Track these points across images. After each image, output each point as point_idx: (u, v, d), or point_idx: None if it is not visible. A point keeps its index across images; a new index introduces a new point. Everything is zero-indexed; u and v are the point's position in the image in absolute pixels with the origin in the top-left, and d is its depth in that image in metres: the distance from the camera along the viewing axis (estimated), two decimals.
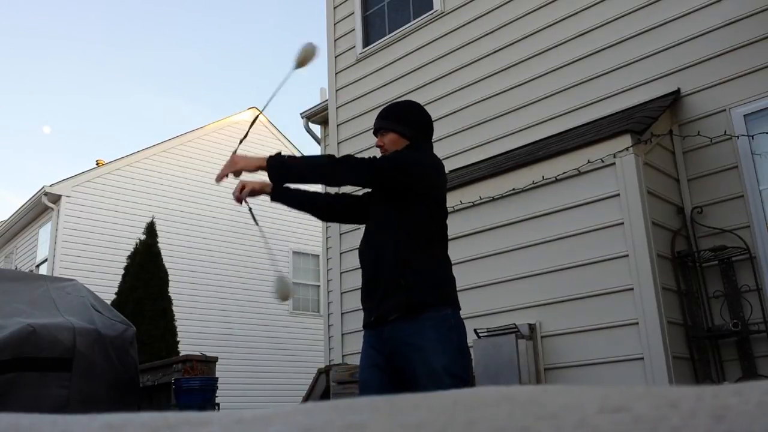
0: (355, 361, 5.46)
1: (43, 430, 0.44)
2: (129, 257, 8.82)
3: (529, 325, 4.11)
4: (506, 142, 5.42)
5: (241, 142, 2.80)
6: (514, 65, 5.56)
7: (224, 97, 37.60)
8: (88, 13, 31.90)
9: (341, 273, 6.25)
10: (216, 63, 37.45)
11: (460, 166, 5.53)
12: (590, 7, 5.17)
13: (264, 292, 13.21)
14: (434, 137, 2.71)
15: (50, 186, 11.66)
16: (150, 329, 7.91)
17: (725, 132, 4.30)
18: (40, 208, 12.28)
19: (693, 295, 4.11)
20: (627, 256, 3.84)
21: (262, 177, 2.51)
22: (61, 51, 33.52)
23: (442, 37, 6.15)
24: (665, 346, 3.63)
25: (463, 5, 6.03)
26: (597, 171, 4.06)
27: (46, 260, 11.82)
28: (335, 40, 7.18)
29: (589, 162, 4.08)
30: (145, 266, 8.52)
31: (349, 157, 2.45)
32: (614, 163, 3.98)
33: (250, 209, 2.63)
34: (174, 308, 8.66)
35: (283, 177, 2.49)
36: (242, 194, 2.53)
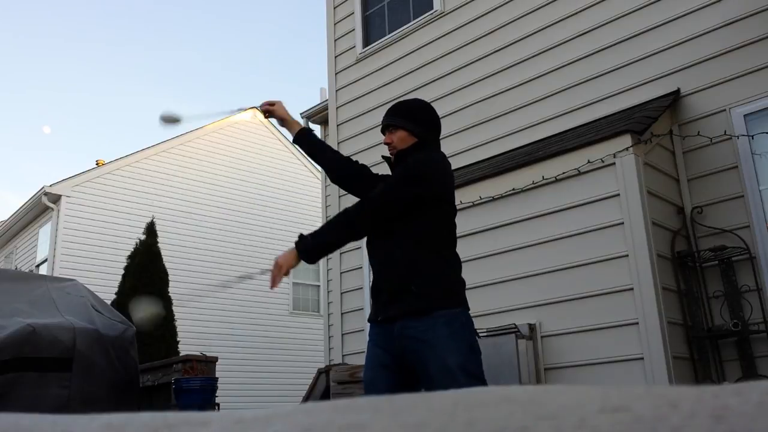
0: (355, 361, 5.46)
1: (43, 430, 0.44)
2: (129, 257, 8.83)
3: (529, 325, 4.11)
4: (506, 142, 5.42)
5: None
6: (514, 65, 5.56)
7: (224, 97, 37.60)
8: (88, 13, 31.90)
9: (341, 273, 6.25)
10: (216, 63, 37.45)
11: (460, 165, 5.52)
12: (590, 7, 5.16)
13: (264, 292, 13.21)
14: (440, 136, 2.71)
15: (50, 186, 11.66)
16: (150, 329, 7.91)
17: (725, 132, 4.30)
18: (40, 208, 12.28)
19: (693, 295, 4.11)
20: (627, 256, 3.84)
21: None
22: (61, 51, 33.52)
23: (442, 37, 6.15)
24: (665, 346, 3.63)
25: (463, 5, 6.03)
26: (597, 171, 4.06)
27: (46, 260, 11.82)
28: (335, 40, 7.18)
29: (589, 162, 4.08)
30: (145, 266, 8.52)
31: (362, 205, 2.42)
32: (614, 163, 3.98)
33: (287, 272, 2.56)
34: (174, 308, 8.66)
35: (316, 255, 2.42)
36: (279, 278, 2.42)
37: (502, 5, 5.74)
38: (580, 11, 5.21)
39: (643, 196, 3.87)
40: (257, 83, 36.93)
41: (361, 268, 5.85)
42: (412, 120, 2.56)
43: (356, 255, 5.86)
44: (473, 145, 5.65)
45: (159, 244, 8.95)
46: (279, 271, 2.35)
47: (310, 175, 14.47)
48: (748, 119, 4.27)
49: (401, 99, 2.88)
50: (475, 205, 4.58)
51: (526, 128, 5.35)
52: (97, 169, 12.42)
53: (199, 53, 36.49)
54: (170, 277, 8.87)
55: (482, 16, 5.87)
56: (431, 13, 6.27)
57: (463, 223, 4.63)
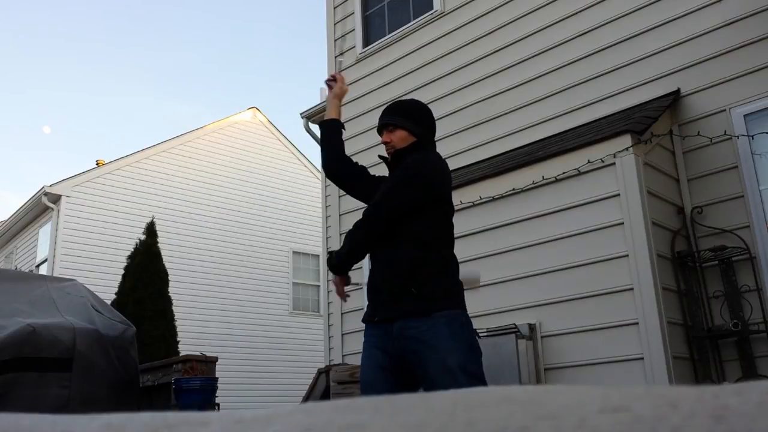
0: (355, 361, 5.46)
1: (43, 430, 0.44)
2: (129, 257, 8.82)
3: (529, 325, 4.11)
4: (506, 142, 5.42)
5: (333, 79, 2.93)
6: (514, 65, 5.56)
7: (224, 97, 37.61)
8: (88, 13, 31.91)
9: None
10: (216, 63, 37.46)
11: (460, 165, 5.53)
12: (590, 6, 5.17)
13: (264, 292, 13.22)
14: (435, 137, 2.71)
15: (50, 186, 11.66)
16: (150, 329, 7.91)
17: (725, 132, 4.30)
18: (40, 208, 12.28)
19: (693, 295, 4.11)
20: (627, 256, 3.84)
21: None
22: (61, 51, 33.53)
23: (442, 37, 6.15)
24: (665, 346, 3.63)
25: (463, 5, 6.03)
26: (597, 171, 4.06)
27: (46, 260, 11.82)
28: (335, 40, 7.18)
29: (589, 162, 4.08)
30: (145, 266, 8.52)
31: (373, 207, 2.45)
32: (614, 163, 3.99)
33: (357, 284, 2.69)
34: (174, 308, 8.66)
35: (347, 266, 2.53)
36: (340, 290, 2.57)
37: (502, 5, 5.74)
38: (580, 11, 5.21)
39: (643, 196, 3.87)
40: (257, 83, 36.94)
41: (361, 268, 5.85)
42: (412, 119, 2.56)
43: None
44: (473, 145, 5.65)
45: (159, 244, 8.95)
46: (337, 286, 2.53)
47: (310, 175, 14.47)
48: (748, 119, 4.27)
49: (400, 98, 2.87)
50: (475, 205, 4.58)
51: (526, 128, 5.35)
52: (97, 169, 12.42)
53: (199, 53, 36.51)
54: (170, 277, 8.86)
55: (482, 16, 5.87)
56: (431, 13, 6.28)
57: (463, 223, 4.65)
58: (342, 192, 6.31)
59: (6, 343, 3.75)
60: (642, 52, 4.81)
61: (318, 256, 13.28)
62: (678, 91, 4.58)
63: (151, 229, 8.98)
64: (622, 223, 3.89)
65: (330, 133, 2.75)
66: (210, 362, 5.52)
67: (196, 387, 5.01)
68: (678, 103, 4.58)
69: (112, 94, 31.96)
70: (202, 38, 37.86)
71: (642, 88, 4.76)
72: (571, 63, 5.19)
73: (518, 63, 5.53)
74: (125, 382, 4.31)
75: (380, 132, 2.61)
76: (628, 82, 4.84)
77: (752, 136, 4.22)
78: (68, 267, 11.04)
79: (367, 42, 6.84)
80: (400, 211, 2.38)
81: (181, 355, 7.08)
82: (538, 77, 5.37)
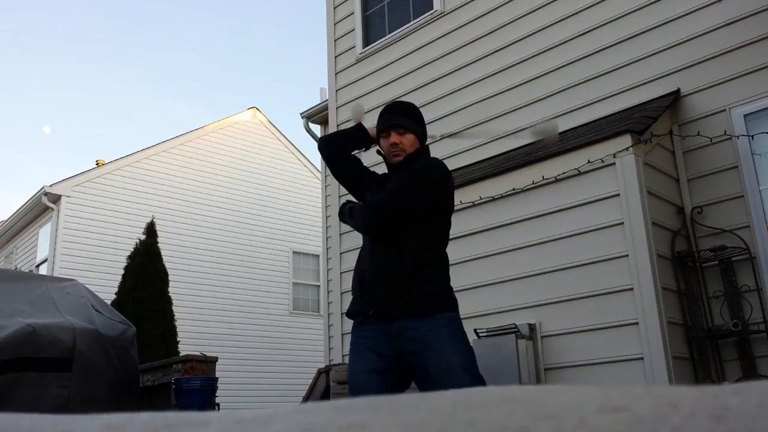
0: None
1: (43, 430, 0.44)
2: (129, 257, 8.82)
3: (529, 325, 4.11)
4: (506, 142, 5.42)
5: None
6: (514, 65, 5.56)
7: (224, 97, 37.62)
8: (88, 13, 31.91)
9: (341, 273, 6.25)
10: (216, 63, 37.46)
11: (460, 166, 5.52)
12: (590, 6, 5.16)
13: (264, 292, 13.22)
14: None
15: (50, 186, 11.66)
16: (150, 329, 7.91)
17: (725, 132, 4.30)
18: (40, 208, 12.28)
19: (693, 295, 4.11)
20: (627, 256, 3.84)
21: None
22: (61, 51, 33.53)
23: (442, 37, 6.15)
24: (665, 346, 3.63)
25: (463, 5, 6.03)
26: (597, 171, 4.06)
27: (46, 260, 11.82)
28: (335, 40, 7.18)
29: (589, 162, 4.08)
30: (145, 266, 8.52)
31: (384, 198, 2.47)
32: (614, 163, 3.98)
33: None
34: (174, 308, 8.66)
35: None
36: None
37: (502, 5, 5.74)
38: (580, 11, 5.21)
39: (643, 196, 3.87)
40: (257, 83, 36.94)
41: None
42: (419, 125, 2.58)
43: (356, 255, 5.84)
44: (473, 145, 5.64)
45: (159, 244, 8.95)
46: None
47: (310, 175, 14.47)
48: (748, 119, 4.26)
49: (395, 100, 2.87)
50: (475, 205, 4.58)
51: (526, 128, 5.34)
52: (97, 169, 12.42)
53: (199, 53, 36.51)
54: (170, 277, 8.86)
55: (482, 16, 5.87)
56: (431, 13, 6.27)
57: (463, 223, 4.65)
58: (343, 191, 6.31)
59: (6, 343, 3.74)
60: (642, 52, 4.81)
61: (318, 256, 13.27)
62: (678, 91, 4.58)
63: (151, 229, 8.97)
64: (622, 223, 3.89)
65: (356, 134, 2.71)
66: (210, 362, 5.52)
67: (196, 387, 5.01)
68: (678, 103, 4.58)
69: (112, 94, 31.97)
70: (202, 38, 37.86)
71: (642, 88, 4.76)
72: (571, 63, 5.19)
73: (518, 63, 5.53)
74: (125, 382, 4.31)
75: (385, 130, 2.56)
76: (628, 82, 4.84)
77: (752, 136, 4.22)
78: (68, 267, 11.04)
79: (367, 42, 6.84)
80: (406, 213, 2.39)
81: (181, 355, 7.08)
82: (538, 77, 5.37)
